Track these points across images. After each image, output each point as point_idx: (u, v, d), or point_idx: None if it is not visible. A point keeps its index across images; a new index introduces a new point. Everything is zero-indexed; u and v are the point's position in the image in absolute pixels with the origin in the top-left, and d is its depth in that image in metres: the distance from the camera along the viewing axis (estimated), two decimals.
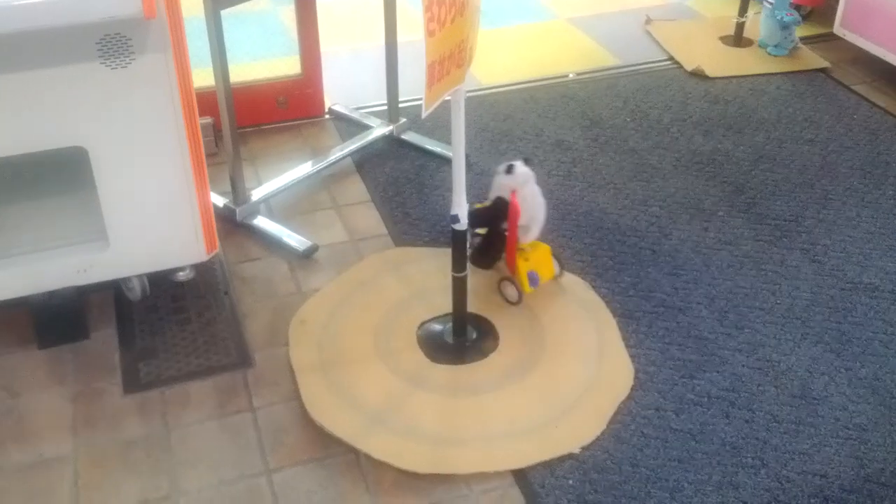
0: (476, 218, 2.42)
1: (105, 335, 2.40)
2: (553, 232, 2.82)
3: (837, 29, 3.92)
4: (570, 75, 3.85)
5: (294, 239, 2.76)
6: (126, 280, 2.43)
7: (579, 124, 3.46)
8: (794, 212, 2.95)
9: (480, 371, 2.30)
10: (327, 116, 3.50)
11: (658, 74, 3.86)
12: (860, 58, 3.89)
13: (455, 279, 2.27)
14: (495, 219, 2.44)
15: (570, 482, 2.00)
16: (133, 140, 2.17)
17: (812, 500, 1.98)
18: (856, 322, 2.49)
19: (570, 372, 2.30)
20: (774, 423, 2.17)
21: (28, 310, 2.35)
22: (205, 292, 2.56)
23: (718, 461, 2.06)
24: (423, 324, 2.44)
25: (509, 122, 3.46)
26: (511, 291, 2.50)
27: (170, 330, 2.43)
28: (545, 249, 2.53)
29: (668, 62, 3.97)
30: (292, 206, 2.96)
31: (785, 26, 3.93)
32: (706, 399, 2.23)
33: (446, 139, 3.11)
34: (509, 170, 2.40)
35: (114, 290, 2.51)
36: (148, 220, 2.29)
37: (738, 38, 4.13)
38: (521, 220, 2.43)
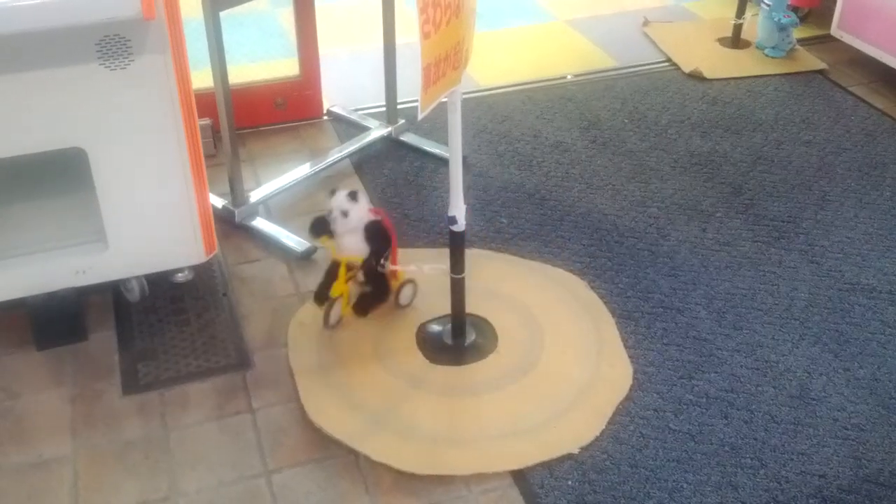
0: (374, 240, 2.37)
1: (104, 336, 2.40)
2: (552, 233, 2.83)
3: (835, 31, 3.93)
4: (568, 77, 3.86)
5: (293, 240, 2.76)
6: (125, 281, 2.43)
7: (577, 125, 3.46)
8: (791, 213, 2.96)
9: (479, 372, 2.31)
10: (326, 118, 3.50)
11: (656, 76, 3.86)
12: (857, 59, 3.90)
13: (453, 280, 2.28)
14: (380, 243, 2.38)
15: (570, 483, 2.01)
16: (132, 141, 2.17)
17: (811, 501, 1.98)
18: (854, 323, 2.49)
19: (569, 372, 2.31)
20: (773, 424, 2.17)
21: (27, 311, 2.35)
22: (203, 293, 2.57)
23: (717, 462, 2.07)
24: (421, 325, 2.44)
25: (507, 124, 3.47)
26: (409, 293, 2.50)
27: (169, 331, 2.43)
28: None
29: (666, 64, 3.97)
30: (291, 208, 2.96)
31: (782, 28, 3.94)
32: (705, 399, 2.23)
33: (445, 140, 3.09)
34: (352, 196, 2.32)
35: (112, 292, 2.51)
36: (147, 221, 2.29)
37: (735, 40, 4.13)
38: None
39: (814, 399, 2.24)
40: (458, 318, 2.36)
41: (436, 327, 2.43)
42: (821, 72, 3.89)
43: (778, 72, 3.89)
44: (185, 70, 2.15)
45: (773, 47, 4.00)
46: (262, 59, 3.75)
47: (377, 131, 3.30)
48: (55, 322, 2.35)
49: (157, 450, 2.09)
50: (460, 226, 2.17)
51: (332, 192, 2.34)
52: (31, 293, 2.29)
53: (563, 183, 3.10)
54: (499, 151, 3.28)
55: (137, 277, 2.43)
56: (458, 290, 2.30)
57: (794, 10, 4.03)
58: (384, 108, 3.35)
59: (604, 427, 2.14)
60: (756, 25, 4.06)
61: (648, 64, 3.97)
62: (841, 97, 3.70)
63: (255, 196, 2.91)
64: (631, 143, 3.35)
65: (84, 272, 2.30)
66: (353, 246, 2.35)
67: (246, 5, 2.66)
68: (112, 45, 2.04)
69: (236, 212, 2.83)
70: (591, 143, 3.35)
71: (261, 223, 2.84)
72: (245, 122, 3.27)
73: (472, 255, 2.46)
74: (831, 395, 2.25)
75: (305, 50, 3.33)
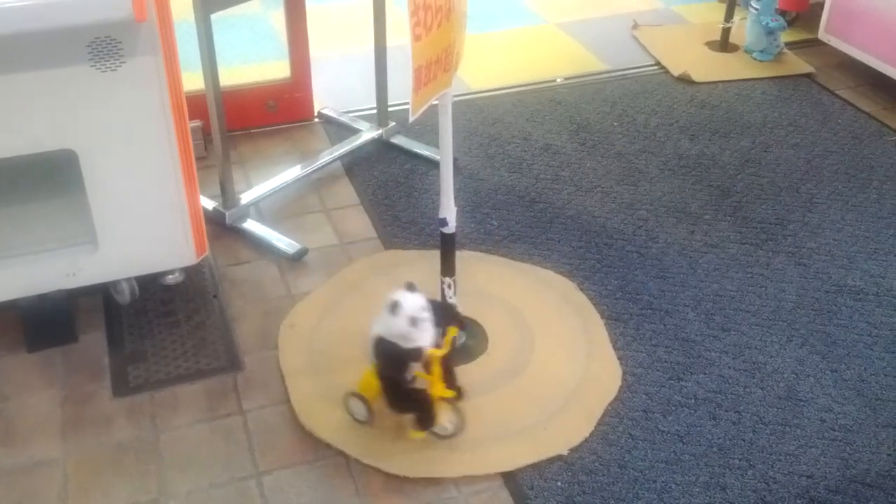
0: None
1: (94, 338, 2.40)
2: (542, 235, 2.84)
3: (822, 34, 3.96)
4: (558, 80, 3.87)
5: (283, 242, 2.76)
6: (115, 283, 2.43)
7: (567, 128, 3.48)
8: (779, 215, 2.98)
9: (469, 374, 2.31)
10: (317, 120, 3.50)
11: (645, 79, 3.88)
12: (845, 63, 3.93)
13: (444, 283, 2.28)
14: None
15: (559, 484, 2.02)
16: (123, 143, 2.17)
17: (798, 501, 1.99)
18: (841, 324, 2.51)
19: (559, 374, 2.32)
20: (761, 425, 2.18)
21: (17, 313, 2.34)
22: (194, 296, 2.57)
23: (706, 462, 2.08)
24: None
25: (498, 126, 3.48)
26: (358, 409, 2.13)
27: (159, 333, 2.43)
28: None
29: (655, 67, 3.99)
30: (282, 210, 2.96)
31: (770, 32, 3.96)
32: (693, 401, 2.25)
33: (435, 143, 3.10)
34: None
35: (103, 294, 2.51)
36: (137, 223, 2.29)
37: (724, 44, 4.16)
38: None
39: (801, 400, 2.26)
40: None
41: None
42: (808, 75, 3.92)
43: (766, 75, 3.91)
44: (177, 72, 2.15)
45: (761, 51, 4.02)
46: (253, 61, 3.75)
47: (368, 133, 3.31)
48: (45, 324, 2.34)
49: (148, 452, 2.09)
50: (451, 228, 2.18)
51: (393, 307, 1.94)
52: (21, 295, 2.28)
53: (552, 185, 3.11)
54: (489, 154, 3.29)
55: (128, 279, 2.43)
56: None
57: (782, 14, 4.06)
58: (375, 111, 3.36)
59: (593, 428, 2.15)
60: (744, 29, 4.09)
61: (638, 67, 3.99)
62: (828, 100, 3.73)
63: (245, 198, 2.91)
64: (620, 145, 3.37)
65: (74, 274, 2.30)
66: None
67: (237, 7, 2.66)
68: (103, 46, 2.04)
69: (227, 214, 2.83)
70: (580, 145, 3.36)
71: (252, 225, 2.84)
72: (236, 125, 3.27)
73: (462, 256, 2.47)
74: (819, 397, 2.27)
75: (296, 52, 3.33)
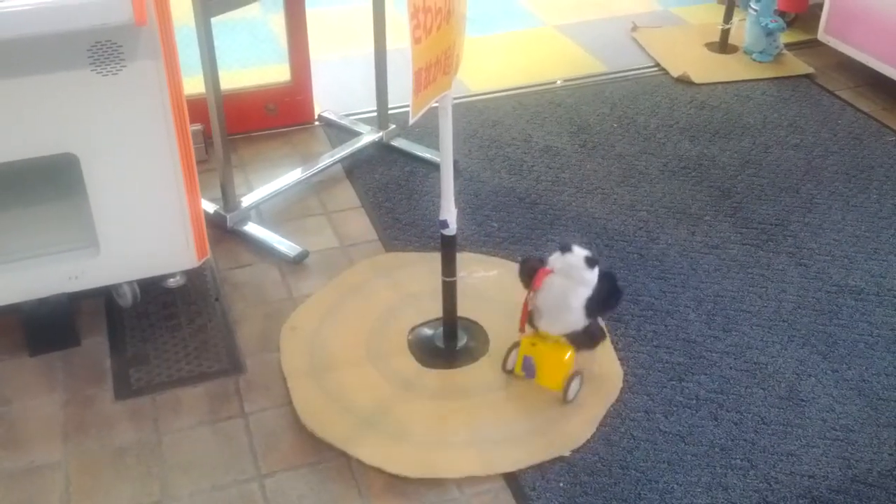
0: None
1: (96, 342, 2.40)
2: (542, 237, 2.85)
3: (821, 35, 3.96)
4: (558, 82, 3.88)
5: (285, 245, 2.77)
6: (117, 287, 2.43)
7: (567, 130, 3.48)
8: (779, 216, 2.98)
9: (471, 375, 2.32)
10: (317, 123, 3.51)
11: (644, 81, 3.89)
12: (844, 64, 3.94)
13: (445, 283, 2.29)
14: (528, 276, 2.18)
15: (561, 485, 2.02)
16: (124, 147, 2.18)
17: (800, 501, 1.99)
18: (842, 324, 2.51)
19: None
20: (762, 425, 2.19)
21: (19, 317, 2.35)
22: (196, 299, 2.57)
23: (708, 463, 2.08)
24: (413, 328, 2.45)
25: (498, 129, 3.48)
26: (511, 358, 2.29)
27: (161, 336, 2.43)
28: (559, 356, 2.20)
29: (655, 69, 4.00)
30: (283, 213, 2.97)
31: (769, 33, 3.97)
32: (695, 401, 2.25)
33: (436, 145, 3.11)
34: (564, 248, 2.12)
35: (105, 297, 2.51)
36: (139, 226, 2.29)
37: (723, 45, 4.16)
38: (535, 300, 2.15)
39: (803, 400, 2.26)
40: (450, 322, 2.37)
41: (427, 331, 2.44)
42: (808, 76, 3.93)
43: (765, 76, 3.92)
44: (177, 76, 2.15)
45: (760, 52, 4.03)
46: (253, 64, 3.75)
47: (368, 136, 3.32)
48: (47, 327, 2.35)
49: (150, 454, 2.09)
50: (451, 230, 2.18)
51: (564, 248, 2.12)
52: (23, 299, 2.29)
53: (553, 187, 3.11)
54: (489, 156, 3.29)
55: (129, 283, 2.43)
56: (449, 293, 2.31)
57: (781, 14, 4.06)
58: (375, 114, 3.36)
59: (595, 429, 2.16)
60: (743, 30, 4.09)
61: (637, 69, 4.00)
62: (828, 101, 3.73)
63: (246, 201, 2.92)
64: (620, 147, 3.37)
65: (76, 277, 2.30)
66: (568, 302, 2.15)
67: (237, 11, 2.67)
68: (104, 50, 2.04)
69: (228, 217, 2.83)
70: (580, 147, 3.37)
71: (253, 228, 2.85)
72: (237, 128, 3.28)
73: (463, 258, 2.47)
74: (820, 397, 2.27)
75: (297, 55, 3.34)
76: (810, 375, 2.34)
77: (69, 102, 2.08)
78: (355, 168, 3.20)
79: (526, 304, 2.17)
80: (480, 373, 2.32)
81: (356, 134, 3.36)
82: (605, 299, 2.17)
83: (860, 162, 3.30)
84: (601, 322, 2.34)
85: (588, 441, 2.13)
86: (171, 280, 2.50)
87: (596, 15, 4.59)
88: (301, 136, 3.42)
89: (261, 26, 4.06)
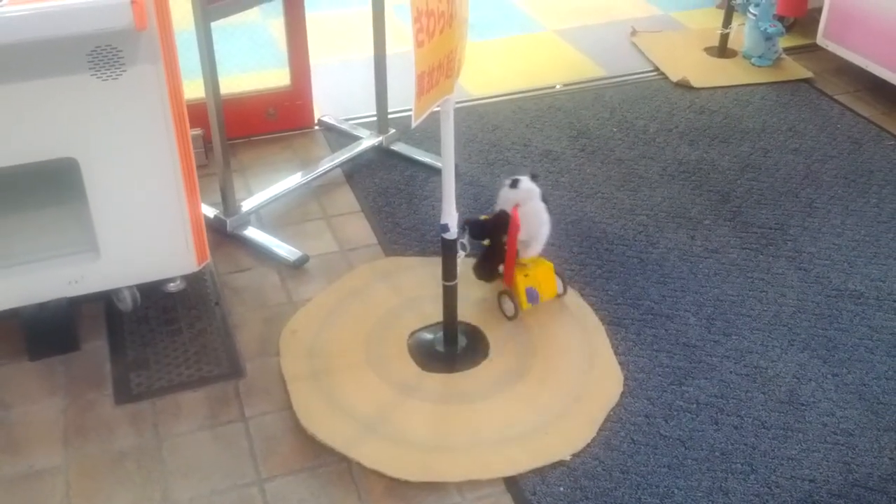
0: (477, 229, 2.43)
1: (96, 346, 2.40)
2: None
3: (820, 40, 3.97)
4: (558, 86, 3.88)
5: (284, 249, 2.77)
6: (117, 291, 2.43)
7: (566, 134, 3.48)
8: (779, 220, 2.98)
9: (471, 379, 2.32)
10: (317, 128, 3.51)
11: (644, 85, 3.89)
12: (843, 68, 3.94)
13: (445, 288, 2.29)
14: (496, 231, 2.43)
15: (562, 489, 2.02)
16: (124, 151, 2.18)
17: None
18: (842, 328, 2.52)
19: (561, 379, 2.32)
20: (763, 429, 2.19)
21: (19, 321, 2.35)
22: (196, 303, 2.57)
23: (708, 467, 2.08)
24: (413, 333, 2.45)
25: (498, 133, 3.49)
26: (508, 306, 2.49)
27: (161, 341, 2.43)
28: (548, 267, 2.51)
29: (654, 73, 4.00)
30: (282, 217, 2.97)
31: (769, 37, 3.98)
32: (695, 406, 2.25)
33: (435, 150, 3.12)
34: (514, 184, 2.41)
35: (105, 302, 2.51)
36: (139, 231, 2.29)
37: (722, 49, 4.17)
38: (521, 236, 2.41)
39: (803, 404, 2.26)
40: (450, 326, 2.37)
41: (427, 335, 2.44)
42: (807, 80, 3.93)
43: (764, 81, 3.92)
44: (177, 80, 2.15)
45: (759, 56, 4.03)
46: (253, 69, 3.76)
47: (368, 141, 3.32)
48: (47, 332, 2.35)
49: (150, 459, 2.09)
50: (452, 234, 2.19)
51: (514, 182, 2.42)
52: (23, 303, 2.29)
53: (552, 191, 3.12)
54: (489, 160, 3.30)
55: (129, 287, 2.43)
56: (449, 297, 2.31)
57: (780, 19, 4.07)
58: (375, 118, 3.36)
59: (595, 433, 2.16)
60: (742, 35, 4.10)
61: (636, 73, 4.00)
62: (827, 105, 3.74)
63: (246, 205, 2.92)
64: (619, 151, 3.38)
65: (76, 282, 2.30)
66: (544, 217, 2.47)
67: (237, 16, 2.67)
68: (104, 55, 2.04)
69: (228, 221, 2.84)
70: (580, 151, 3.37)
71: (252, 232, 2.85)
72: (236, 132, 3.28)
73: (463, 262, 2.47)
74: (820, 401, 2.27)
75: (296, 60, 3.34)
76: (810, 379, 2.34)
77: (69, 107, 2.08)
78: (355, 172, 3.21)
79: (513, 251, 2.40)
80: (480, 376, 2.32)
81: (356, 138, 3.36)
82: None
83: (859, 166, 3.30)
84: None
85: (588, 445, 2.13)
86: (171, 284, 2.50)
87: (596, 20, 4.60)
88: (301, 141, 3.42)
89: (260, 31, 4.06)
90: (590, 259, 2.77)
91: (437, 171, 2.87)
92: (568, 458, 2.09)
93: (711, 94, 3.82)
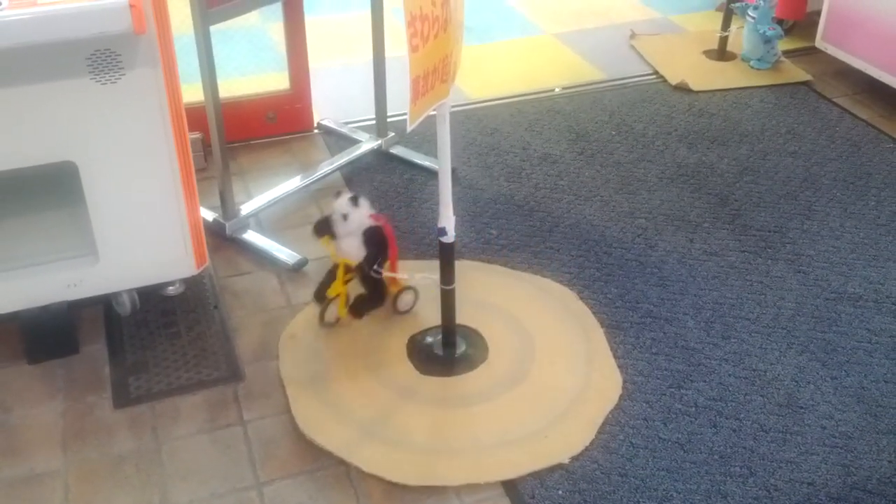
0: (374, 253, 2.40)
1: (95, 350, 2.40)
2: (541, 244, 2.85)
3: (819, 43, 3.98)
4: (557, 89, 3.89)
5: (284, 253, 2.77)
6: (116, 295, 2.43)
7: (565, 138, 3.49)
8: (778, 223, 2.99)
9: (470, 382, 2.32)
10: (316, 131, 3.51)
11: (643, 88, 3.90)
12: (842, 71, 3.95)
13: (444, 291, 2.29)
14: (380, 248, 2.42)
15: (560, 492, 2.02)
16: (123, 155, 2.18)
17: None
18: (840, 331, 2.52)
19: (559, 382, 2.32)
20: (762, 432, 2.19)
21: (18, 325, 2.35)
22: (194, 307, 2.57)
23: (707, 470, 2.08)
24: (412, 336, 2.45)
25: (496, 136, 3.49)
26: (409, 299, 2.53)
27: (160, 344, 2.43)
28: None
29: (653, 76, 4.01)
30: (282, 221, 2.97)
31: (767, 40, 3.98)
32: (694, 408, 2.25)
33: (434, 153, 3.11)
34: (354, 201, 2.36)
35: (104, 305, 2.51)
36: (138, 234, 2.30)
37: (721, 52, 4.17)
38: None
39: (802, 407, 2.26)
40: (449, 329, 2.38)
41: (426, 338, 2.44)
42: (806, 83, 3.94)
43: (763, 83, 3.93)
44: (176, 84, 2.16)
45: (758, 59, 4.04)
46: (252, 73, 3.76)
47: (367, 144, 3.32)
48: (46, 335, 2.35)
49: (149, 463, 2.09)
50: (450, 237, 2.19)
51: (337, 194, 2.39)
52: (22, 307, 2.29)
53: (551, 195, 3.12)
54: (488, 163, 3.30)
55: (128, 291, 2.43)
56: (448, 301, 2.31)
57: (779, 22, 4.07)
58: (374, 122, 3.37)
59: (594, 437, 2.16)
60: (741, 38, 4.10)
61: (635, 76, 4.01)
62: (826, 108, 3.74)
63: (245, 209, 2.92)
64: (618, 154, 3.38)
65: (75, 285, 2.30)
66: (351, 249, 2.38)
67: (236, 20, 2.68)
68: (103, 59, 2.05)
69: (227, 225, 2.84)
70: (579, 154, 3.37)
71: (252, 236, 2.85)
72: (236, 136, 3.28)
73: (461, 266, 2.47)
74: (819, 404, 2.27)
75: (296, 64, 3.35)
76: (809, 382, 2.34)
77: (68, 111, 2.08)
78: (354, 176, 3.21)
79: (395, 260, 2.45)
80: (479, 380, 2.32)
81: (355, 142, 3.36)
82: None
83: (858, 169, 3.30)
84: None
85: (587, 448, 2.12)
86: (170, 288, 2.50)
87: (594, 23, 4.60)
88: (300, 144, 3.43)
89: (260, 35, 4.07)
90: (588, 262, 2.77)
91: (436, 175, 2.87)
92: (567, 461, 2.09)
93: (710, 97, 3.82)
